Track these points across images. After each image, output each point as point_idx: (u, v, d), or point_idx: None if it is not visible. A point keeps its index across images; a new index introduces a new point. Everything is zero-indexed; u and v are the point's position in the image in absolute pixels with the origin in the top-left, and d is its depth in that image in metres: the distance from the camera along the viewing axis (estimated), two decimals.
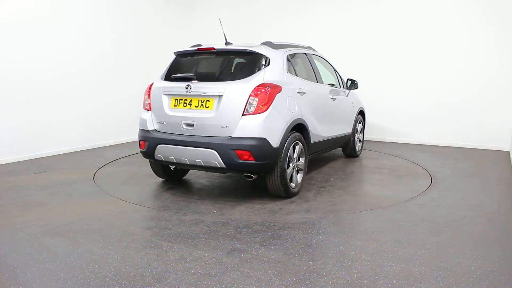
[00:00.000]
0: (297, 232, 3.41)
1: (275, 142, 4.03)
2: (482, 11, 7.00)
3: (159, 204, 4.24)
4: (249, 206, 4.14)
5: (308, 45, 5.62)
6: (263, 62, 4.25)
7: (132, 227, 3.56)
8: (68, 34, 6.73)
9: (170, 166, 4.80)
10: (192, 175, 5.41)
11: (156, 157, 4.44)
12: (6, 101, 5.96)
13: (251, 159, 3.94)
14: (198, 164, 4.18)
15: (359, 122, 6.56)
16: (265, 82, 4.09)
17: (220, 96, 4.05)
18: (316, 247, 3.11)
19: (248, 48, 4.32)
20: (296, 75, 4.73)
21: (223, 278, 2.62)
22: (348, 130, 6.10)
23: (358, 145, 6.58)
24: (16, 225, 3.56)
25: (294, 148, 4.34)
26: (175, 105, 4.32)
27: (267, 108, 3.99)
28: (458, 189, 4.75)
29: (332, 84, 5.76)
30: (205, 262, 2.85)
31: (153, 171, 5.02)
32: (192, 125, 4.17)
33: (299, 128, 4.48)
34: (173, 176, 5.11)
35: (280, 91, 4.15)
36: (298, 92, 4.52)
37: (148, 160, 4.75)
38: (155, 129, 4.45)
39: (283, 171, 4.15)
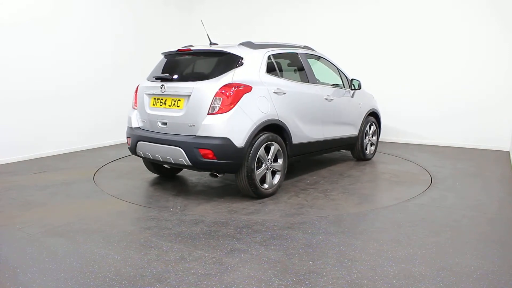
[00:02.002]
0: (297, 232, 3.41)
1: (239, 142, 4.02)
2: (482, 11, 7.00)
3: (133, 198, 4.41)
4: (215, 204, 4.19)
5: (304, 45, 5.54)
6: (236, 62, 4.27)
7: (132, 227, 3.56)
8: (67, 34, 6.73)
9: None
10: (186, 172, 5.45)
11: (137, 153, 4.68)
12: (6, 101, 5.96)
13: (213, 158, 3.99)
14: (168, 161, 4.32)
15: (371, 125, 6.30)
16: (233, 82, 4.11)
17: (189, 95, 4.17)
18: (316, 247, 3.11)
19: (221, 49, 4.41)
20: (278, 75, 4.66)
21: (223, 278, 2.62)
22: (352, 132, 5.90)
23: (369, 149, 6.33)
24: (16, 225, 3.56)
25: (268, 148, 4.33)
26: (153, 104, 4.53)
27: (231, 108, 4.01)
28: (458, 189, 4.75)
29: (337, 85, 5.63)
30: (205, 262, 2.85)
31: (146, 167, 5.27)
32: (166, 124, 4.36)
33: (277, 129, 4.44)
34: (165, 173, 5.30)
35: (248, 91, 4.14)
36: (275, 93, 4.44)
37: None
38: (138, 127, 4.69)
39: (251, 172, 4.13)
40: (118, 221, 3.71)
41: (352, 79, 5.91)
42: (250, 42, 4.61)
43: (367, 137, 6.24)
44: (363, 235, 3.37)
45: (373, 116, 6.39)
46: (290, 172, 5.57)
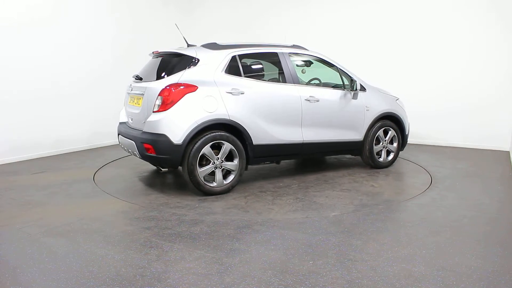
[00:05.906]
0: (297, 232, 3.41)
1: (176, 139, 4.20)
2: (482, 11, 7.00)
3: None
4: (159, 196, 4.45)
5: (293, 44, 5.36)
6: (188, 63, 4.46)
7: (132, 227, 3.56)
8: (66, 33, 6.73)
9: None
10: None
11: (120, 145, 5.17)
12: (6, 101, 5.96)
13: (153, 152, 4.31)
14: (131, 153, 4.78)
15: (388, 130, 5.67)
16: (179, 82, 4.32)
17: (143, 94, 4.52)
18: (316, 247, 3.11)
19: (178, 51, 4.69)
20: (241, 75, 4.62)
21: (223, 278, 2.62)
22: (353, 136, 5.41)
23: (386, 157, 5.73)
24: (16, 225, 3.56)
25: (218, 147, 4.41)
26: (129, 102, 4.95)
27: (171, 107, 4.23)
28: (458, 189, 4.75)
29: (338, 86, 5.39)
30: (205, 262, 2.85)
31: None
32: (132, 119, 4.81)
33: (233, 130, 4.46)
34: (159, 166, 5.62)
35: (192, 91, 4.29)
36: (229, 92, 4.45)
37: None
38: (123, 122, 5.17)
39: (192, 168, 4.28)
40: (118, 221, 3.71)
41: (351, 80, 5.52)
42: (214, 44, 4.79)
43: (381, 143, 5.65)
44: (363, 235, 3.37)
45: (392, 121, 5.75)
46: (278, 172, 5.57)
